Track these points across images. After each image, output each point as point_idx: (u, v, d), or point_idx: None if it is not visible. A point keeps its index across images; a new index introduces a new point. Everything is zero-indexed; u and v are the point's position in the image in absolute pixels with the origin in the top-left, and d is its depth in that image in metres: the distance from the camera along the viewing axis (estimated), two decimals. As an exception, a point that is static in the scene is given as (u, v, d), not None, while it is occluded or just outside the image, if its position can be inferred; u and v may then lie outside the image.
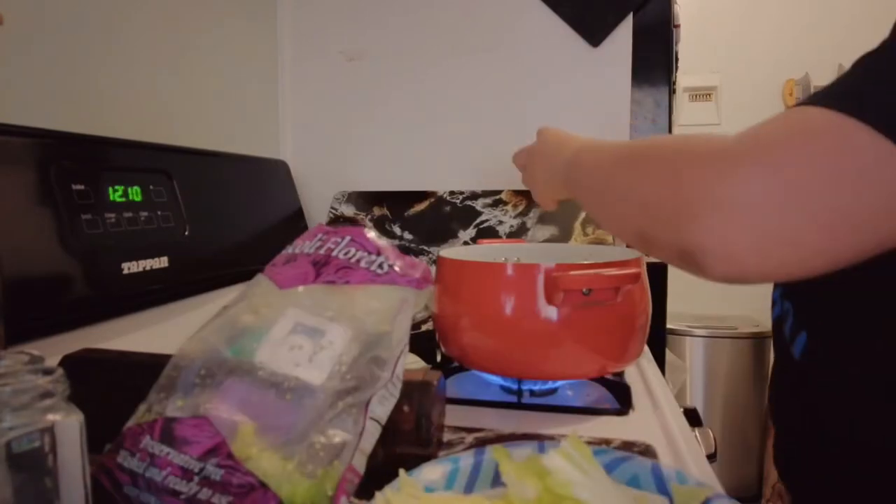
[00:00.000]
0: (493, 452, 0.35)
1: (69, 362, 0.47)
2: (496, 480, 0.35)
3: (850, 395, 0.48)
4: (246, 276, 0.87)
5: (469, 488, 0.35)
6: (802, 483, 0.56)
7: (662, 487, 0.33)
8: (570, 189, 0.59)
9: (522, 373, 0.55)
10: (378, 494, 0.31)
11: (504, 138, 1.08)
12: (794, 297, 0.53)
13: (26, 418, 0.24)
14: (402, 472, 0.33)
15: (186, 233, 0.73)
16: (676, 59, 1.19)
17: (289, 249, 0.42)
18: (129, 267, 0.63)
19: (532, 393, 0.57)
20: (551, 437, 0.46)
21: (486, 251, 0.70)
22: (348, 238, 0.41)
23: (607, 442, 0.44)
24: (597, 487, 0.30)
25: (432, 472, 0.35)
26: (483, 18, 1.08)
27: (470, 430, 0.47)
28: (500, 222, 1.01)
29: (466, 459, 0.36)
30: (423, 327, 0.71)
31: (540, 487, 0.30)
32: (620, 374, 0.60)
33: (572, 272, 0.50)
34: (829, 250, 0.34)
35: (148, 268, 0.65)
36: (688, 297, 2.29)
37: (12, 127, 0.55)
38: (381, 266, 0.39)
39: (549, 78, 1.06)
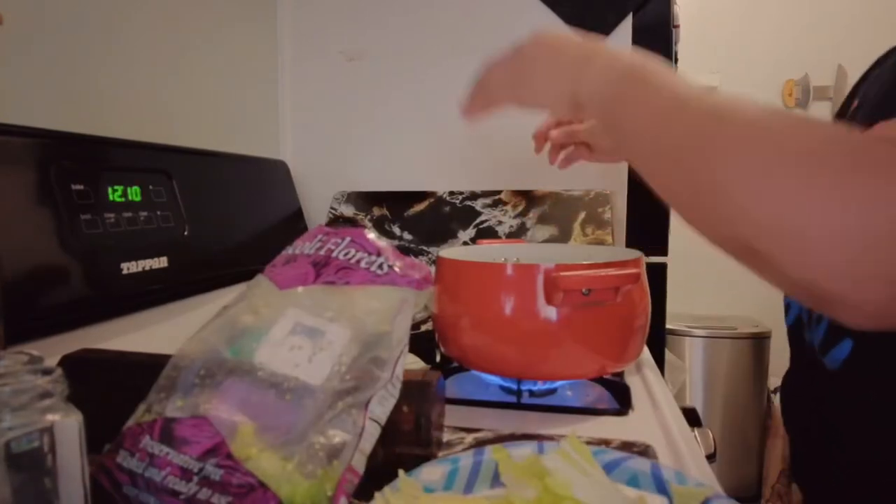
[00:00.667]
0: (492, 453, 0.35)
1: (68, 362, 0.47)
2: (496, 481, 0.35)
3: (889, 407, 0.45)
4: (246, 276, 0.87)
5: (469, 489, 0.35)
6: (817, 487, 0.55)
7: (662, 487, 0.33)
8: (610, 128, 0.41)
9: (522, 373, 0.55)
10: (377, 495, 0.31)
11: (504, 138, 1.09)
12: None
13: (25, 418, 0.24)
14: (401, 472, 0.33)
15: (186, 233, 0.73)
16: (676, 60, 1.19)
17: (289, 250, 0.42)
18: (129, 267, 0.63)
19: (531, 393, 0.57)
20: (551, 438, 0.46)
21: (485, 251, 0.70)
22: (348, 239, 0.41)
23: (606, 442, 0.44)
24: (596, 487, 0.30)
25: (432, 472, 0.35)
26: (483, 18, 1.08)
27: (469, 431, 0.47)
28: (500, 222, 1.01)
29: (466, 460, 0.36)
30: (423, 327, 0.71)
31: (540, 487, 0.30)
32: (620, 375, 0.60)
33: (572, 272, 0.50)
34: None
35: (147, 268, 0.65)
36: (688, 297, 2.29)
37: (12, 127, 0.55)
38: (381, 267, 0.39)
39: (548, 78, 1.06)
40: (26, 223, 0.53)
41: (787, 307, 0.56)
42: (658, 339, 1.02)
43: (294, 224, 1.06)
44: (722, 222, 0.31)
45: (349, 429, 0.33)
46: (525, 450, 0.36)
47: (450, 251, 0.66)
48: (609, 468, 0.34)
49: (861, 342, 0.46)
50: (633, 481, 0.34)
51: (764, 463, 2.07)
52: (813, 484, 0.56)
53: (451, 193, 1.06)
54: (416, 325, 0.69)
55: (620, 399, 0.55)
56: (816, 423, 0.54)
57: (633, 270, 0.51)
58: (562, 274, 0.50)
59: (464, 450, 0.43)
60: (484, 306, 0.54)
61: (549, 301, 0.51)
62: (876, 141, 0.28)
